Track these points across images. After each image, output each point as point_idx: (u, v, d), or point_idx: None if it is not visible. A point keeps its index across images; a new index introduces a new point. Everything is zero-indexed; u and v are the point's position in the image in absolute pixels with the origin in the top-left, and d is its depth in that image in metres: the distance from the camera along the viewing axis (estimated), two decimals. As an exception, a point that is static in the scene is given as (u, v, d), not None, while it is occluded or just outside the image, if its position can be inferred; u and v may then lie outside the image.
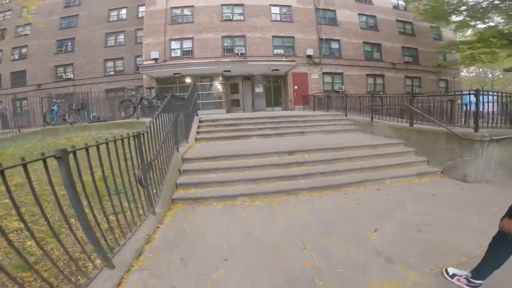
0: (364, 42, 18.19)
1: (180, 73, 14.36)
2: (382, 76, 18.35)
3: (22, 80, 20.51)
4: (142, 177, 2.95)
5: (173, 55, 15.50)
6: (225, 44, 15.79)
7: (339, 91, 16.70)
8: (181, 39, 15.56)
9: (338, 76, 17.25)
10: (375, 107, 7.60)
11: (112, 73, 19.10)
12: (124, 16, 19.20)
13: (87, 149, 2.04)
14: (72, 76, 19.45)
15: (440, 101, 9.15)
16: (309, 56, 16.33)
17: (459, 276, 2.13)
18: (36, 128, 9.72)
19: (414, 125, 6.02)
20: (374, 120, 7.34)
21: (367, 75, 17.91)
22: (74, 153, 1.90)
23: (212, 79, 15.28)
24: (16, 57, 20.52)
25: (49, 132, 9.06)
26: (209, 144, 6.71)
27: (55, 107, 9.81)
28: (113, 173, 2.50)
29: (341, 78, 17.28)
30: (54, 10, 20.00)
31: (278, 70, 14.98)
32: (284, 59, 15.13)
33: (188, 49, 15.57)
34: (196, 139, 6.88)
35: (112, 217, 2.90)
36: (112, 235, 2.65)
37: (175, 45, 15.62)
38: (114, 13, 19.36)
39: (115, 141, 2.48)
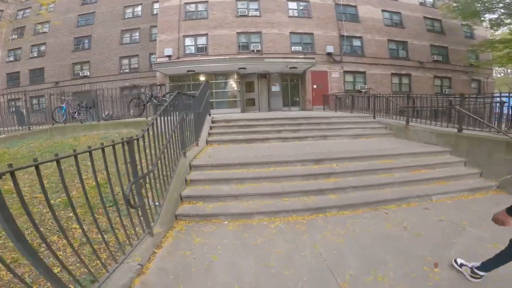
0: (388, 40, 17.09)
1: (193, 71, 13.84)
2: (408, 75, 17.16)
3: (40, 78, 20.78)
4: (135, 195, 2.29)
5: (187, 51, 15.01)
6: (240, 41, 15.13)
7: (361, 91, 15.71)
8: (195, 36, 15.04)
9: (360, 75, 16.23)
10: (409, 108, 6.67)
11: (127, 70, 18.92)
12: (139, 13, 18.98)
13: (37, 167, 1.37)
14: (88, 74, 19.53)
15: (476, 103, 8.13)
16: (329, 54, 15.42)
17: (465, 265, 2.25)
18: (45, 126, 9.41)
19: (464, 131, 5.08)
20: (410, 123, 6.41)
21: (392, 74, 16.78)
22: (12, 174, 1.24)
23: (226, 76, 14.68)
24: (35, 54, 20.76)
25: (57, 130, 8.70)
26: (221, 148, 6.04)
27: (64, 105, 9.45)
28: (85, 192, 1.84)
29: (363, 77, 16.25)
30: (72, 7, 20.07)
31: (296, 68, 14.18)
32: (303, 57, 14.30)
33: (202, 45, 15.03)
34: (207, 142, 6.24)
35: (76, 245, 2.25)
36: (87, 268, 2.01)
37: (189, 41, 15.12)
38: (129, 10, 19.18)
39: (90, 152, 1.81)
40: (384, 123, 7.37)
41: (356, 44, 16.46)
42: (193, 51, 14.97)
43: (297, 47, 15.32)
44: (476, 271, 2.14)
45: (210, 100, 14.43)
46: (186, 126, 4.68)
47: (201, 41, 15.05)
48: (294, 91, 16.05)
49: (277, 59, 13.33)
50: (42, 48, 20.61)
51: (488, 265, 2.11)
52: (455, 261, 2.37)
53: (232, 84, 14.76)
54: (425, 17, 18.42)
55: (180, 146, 4.17)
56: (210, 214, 3.40)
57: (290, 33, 15.49)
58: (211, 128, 7.07)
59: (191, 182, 4.00)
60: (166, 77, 14.63)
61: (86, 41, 19.67)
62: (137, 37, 18.73)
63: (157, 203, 3.11)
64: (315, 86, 15.19)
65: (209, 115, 7.96)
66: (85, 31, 19.65)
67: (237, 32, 15.04)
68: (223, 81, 14.68)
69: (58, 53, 20.12)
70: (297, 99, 16.05)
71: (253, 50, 14.52)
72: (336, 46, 15.68)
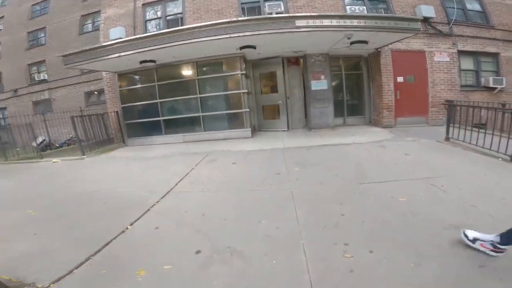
0: None
1: (154, 61, 6.99)
2: None
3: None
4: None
5: (150, 29, 8.36)
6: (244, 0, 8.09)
7: (494, 88, 7.84)
8: (162, 1, 8.33)
9: (488, 59, 8.28)
10: None
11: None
12: (105, -11, 13.18)
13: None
14: (46, 77, 14.32)
15: None
16: (426, 20, 7.75)
17: (483, 241, 1.88)
18: None
19: None
20: None
21: (548, 57, 8.67)
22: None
23: (222, 67, 7.55)
24: (-8, 57, 15.97)
25: None
26: None
27: None
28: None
29: (495, 62, 8.28)
30: (26, -5, 15.02)
31: (365, 43, 6.63)
32: (386, 16, 6.62)
33: (176, 15, 8.21)
34: None
35: None
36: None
37: (152, 12, 8.46)
38: (91, -13, 13.58)
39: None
40: None
41: (472, 8, 8.59)
42: (161, 27, 8.22)
43: (357, 7, 7.86)
44: (498, 245, 1.82)
45: (180, 117, 7.22)
46: None
47: (174, 8, 8.27)
48: (354, 89, 8.49)
49: (325, 20, 5.90)
50: (-1, 48, 15.69)
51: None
52: (465, 234, 1.97)
53: (233, 80, 7.55)
54: None
55: None
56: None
57: (339, -17, 8.16)
58: None
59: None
60: (115, 76, 8.01)
61: (42, 34, 14.41)
62: (102, 22, 12.81)
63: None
64: (400, 79, 7.54)
65: None
66: (39, 22, 14.48)
67: (237, -14, 8.04)
68: (216, 75, 7.55)
69: (14, 53, 15.09)
70: (360, 103, 8.45)
71: (270, 13, 7.32)
72: (437, 8, 8.00)
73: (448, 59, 7.70)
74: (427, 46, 7.68)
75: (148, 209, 3.21)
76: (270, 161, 4.78)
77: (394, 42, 6.99)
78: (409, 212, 2.62)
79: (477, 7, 8.65)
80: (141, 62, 6.89)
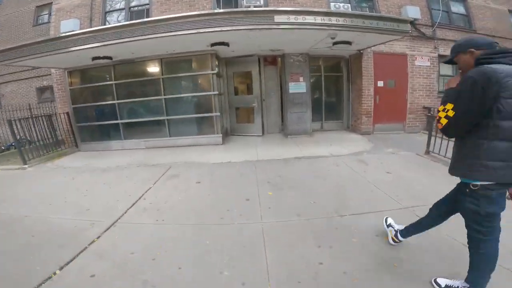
0: (510, 11, 9.21)
1: (110, 57, 6.08)
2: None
3: None
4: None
5: (109, 21, 7.36)
6: (219, -10, 7.33)
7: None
8: (125, -11, 7.39)
9: (466, 64, 8.18)
10: None
11: (46, 63, 11.65)
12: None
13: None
14: None
15: None
16: (412, 22, 7.40)
17: (392, 227, 2.23)
18: None
19: None
20: None
21: (522, 64, 8.71)
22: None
23: (191, 65, 6.77)
24: None
25: None
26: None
27: None
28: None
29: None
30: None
31: (349, 43, 6.14)
32: (369, 15, 6.07)
33: (141, 7, 7.28)
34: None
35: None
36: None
37: (114, 3, 7.46)
38: (47, -24, 12.18)
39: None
40: None
41: (457, 11, 8.43)
42: (123, 19, 7.26)
43: (341, 4, 7.41)
44: (399, 235, 2.20)
45: (141, 120, 6.61)
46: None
47: (139, -1, 7.37)
48: (333, 93, 8.07)
49: (308, 17, 5.31)
50: None
51: (408, 231, 2.16)
52: (386, 219, 2.43)
53: (204, 80, 6.79)
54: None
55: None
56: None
57: (324, -21, 7.61)
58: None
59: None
60: (65, 74, 6.97)
61: (-10, 25, 12.69)
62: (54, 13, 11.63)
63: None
64: (380, 84, 7.21)
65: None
66: (-10, 15, 12.77)
67: (211, -26, 7.24)
68: (184, 74, 6.76)
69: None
70: (339, 108, 8.07)
71: (248, 6, 6.63)
72: (422, 9, 7.70)
73: (428, 63, 7.46)
74: (410, 49, 7.37)
75: (86, 247, 2.56)
76: (240, 179, 4.17)
77: (379, 44, 6.58)
78: (396, 259, 2.19)
79: (461, 10, 8.50)
80: (94, 58, 5.94)
